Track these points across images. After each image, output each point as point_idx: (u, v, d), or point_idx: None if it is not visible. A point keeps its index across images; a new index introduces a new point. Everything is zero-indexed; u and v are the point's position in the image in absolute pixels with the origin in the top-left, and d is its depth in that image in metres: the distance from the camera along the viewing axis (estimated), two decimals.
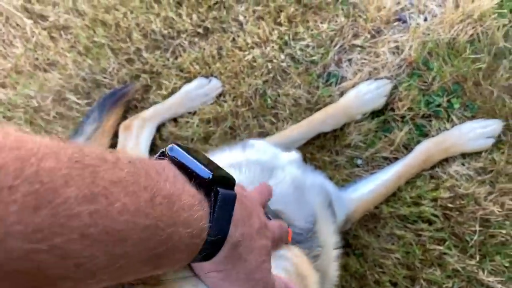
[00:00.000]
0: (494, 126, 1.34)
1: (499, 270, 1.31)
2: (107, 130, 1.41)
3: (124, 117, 1.45)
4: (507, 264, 1.30)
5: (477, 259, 1.31)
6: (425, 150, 1.32)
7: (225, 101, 1.45)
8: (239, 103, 1.44)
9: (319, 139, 1.40)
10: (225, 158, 1.02)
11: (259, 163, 0.98)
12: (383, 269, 1.32)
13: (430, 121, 1.40)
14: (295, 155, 1.07)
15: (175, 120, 1.46)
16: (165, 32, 1.49)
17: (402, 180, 1.33)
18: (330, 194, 1.08)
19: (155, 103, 1.46)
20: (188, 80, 1.47)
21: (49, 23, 1.54)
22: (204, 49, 1.48)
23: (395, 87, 1.41)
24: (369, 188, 1.30)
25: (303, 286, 0.72)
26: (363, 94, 1.37)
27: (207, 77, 1.46)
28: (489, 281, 1.29)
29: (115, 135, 1.42)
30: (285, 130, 1.37)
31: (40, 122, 1.47)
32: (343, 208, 1.21)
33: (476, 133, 1.33)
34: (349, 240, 1.34)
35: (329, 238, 0.99)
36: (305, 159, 1.39)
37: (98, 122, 1.40)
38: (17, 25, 1.56)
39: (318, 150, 1.40)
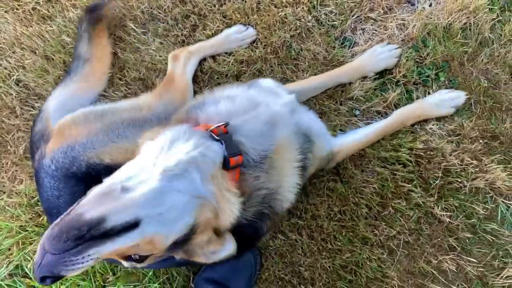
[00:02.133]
0: (458, 98, 1.68)
1: (450, 209, 1.69)
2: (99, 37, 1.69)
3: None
4: (457, 205, 1.69)
5: (435, 198, 1.69)
6: (401, 115, 1.67)
7: (257, 48, 1.76)
8: (268, 50, 1.76)
9: (330, 89, 1.73)
10: (228, 91, 1.30)
11: (250, 97, 1.23)
12: (362, 195, 1.69)
13: (418, 88, 1.74)
14: (290, 97, 1.32)
15: (214, 57, 1.78)
16: None
17: (381, 136, 1.67)
18: (311, 132, 1.31)
19: (200, 40, 1.77)
20: (229, 25, 1.77)
21: None
22: (245, 1, 1.78)
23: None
24: (352, 138, 1.64)
25: None
26: (377, 54, 1.69)
27: (245, 25, 1.77)
28: (441, 215, 1.68)
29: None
30: (310, 78, 1.70)
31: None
32: (326, 147, 1.48)
33: (443, 103, 1.67)
34: (340, 170, 1.70)
35: (286, 165, 1.18)
36: (315, 104, 1.73)
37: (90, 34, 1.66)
38: None
39: (327, 99, 1.74)
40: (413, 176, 1.69)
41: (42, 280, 0.85)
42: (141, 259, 0.96)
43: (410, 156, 1.69)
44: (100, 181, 0.96)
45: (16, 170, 1.75)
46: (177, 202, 0.93)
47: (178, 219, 0.94)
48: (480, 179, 1.69)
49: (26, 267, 1.66)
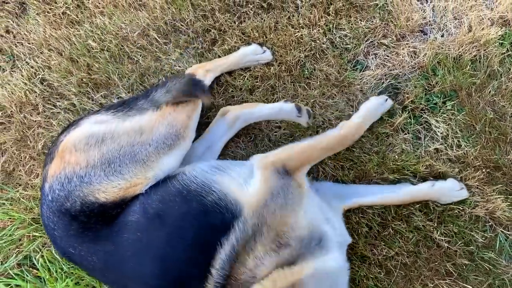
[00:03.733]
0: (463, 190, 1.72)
1: (449, 234, 1.73)
2: None
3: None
4: (456, 231, 1.72)
5: (435, 223, 1.73)
6: (409, 194, 1.70)
7: (272, 65, 1.84)
8: (283, 68, 1.83)
9: (340, 105, 1.79)
10: None
11: None
12: (364, 215, 1.74)
13: (425, 113, 1.80)
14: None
15: (230, 72, 1.86)
16: (237, 0, 1.87)
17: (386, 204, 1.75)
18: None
19: (217, 54, 1.85)
20: (247, 42, 1.86)
21: None
22: (264, 20, 1.86)
23: (405, 82, 1.80)
24: (361, 201, 1.71)
25: None
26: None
27: (262, 45, 1.85)
28: (440, 239, 1.71)
29: None
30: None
31: (126, 49, 1.87)
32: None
33: (452, 193, 1.71)
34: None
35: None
36: (323, 122, 1.80)
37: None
38: None
39: (336, 119, 1.80)
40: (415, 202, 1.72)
41: None
42: None
43: (414, 179, 1.73)
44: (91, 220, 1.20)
45: (33, 165, 1.83)
46: None
47: None
48: (481, 208, 1.72)
49: (35, 258, 1.72)
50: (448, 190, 1.70)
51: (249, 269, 1.28)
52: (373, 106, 1.71)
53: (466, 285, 1.71)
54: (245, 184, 1.41)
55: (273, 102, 1.82)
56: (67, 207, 1.34)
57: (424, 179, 1.73)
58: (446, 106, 1.80)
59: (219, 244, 1.29)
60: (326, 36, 1.84)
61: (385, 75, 1.82)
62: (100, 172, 1.35)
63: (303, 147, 1.53)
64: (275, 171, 1.43)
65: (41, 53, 1.90)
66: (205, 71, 1.77)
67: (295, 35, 1.84)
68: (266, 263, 1.28)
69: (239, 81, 1.83)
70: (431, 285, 1.72)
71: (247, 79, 1.83)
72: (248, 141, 1.82)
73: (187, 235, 1.31)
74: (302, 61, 1.83)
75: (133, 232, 1.32)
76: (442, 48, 1.82)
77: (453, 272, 1.71)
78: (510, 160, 1.75)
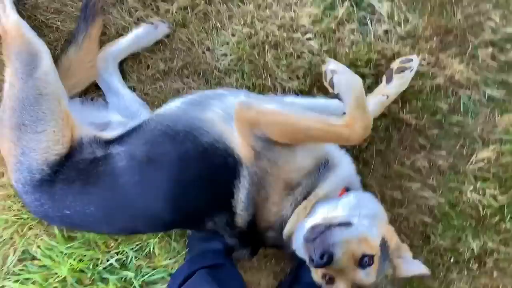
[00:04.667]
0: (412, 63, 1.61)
1: (415, 110, 1.76)
2: (94, 37, 1.65)
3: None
4: (421, 105, 1.75)
5: (400, 104, 1.75)
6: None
7: None
8: None
9: (281, 20, 1.71)
10: None
11: None
12: None
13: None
14: None
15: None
16: None
17: None
18: None
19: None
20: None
21: None
22: None
23: None
24: None
25: None
26: None
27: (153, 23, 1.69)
28: (407, 118, 1.75)
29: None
30: None
31: (41, 18, 1.71)
32: None
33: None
34: None
35: None
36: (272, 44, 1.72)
37: (86, 31, 1.63)
38: None
39: (278, 29, 1.72)
40: (373, 78, 1.72)
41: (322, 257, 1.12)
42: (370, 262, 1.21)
43: (370, 69, 1.71)
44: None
45: None
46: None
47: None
48: (440, 77, 1.73)
49: (32, 250, 1.76)
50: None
51: (274, 213, 1.35)
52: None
53: (440, 152, 1.78)
54: (233, 127, 1.34)
55: (210, 31, 1.74)
56: (37, 178, 1.37)
57: (377, 66, 1.71)
58: None
59: (233, 185, 1.32)
60: None
61: None
62: (27, 136, 1.36)
63: (292, 124, 1.27)
64: (251, 132, 1.28)
65: None
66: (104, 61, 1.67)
67: None
68: (286, 205, 1.33)
69: (168, 16, 1.71)
70: (408, 162, 1.79)
71: (175, 12, 1.71)
72: (198, 78, 1.76)
73: (193, 174, 1.33)
74: None
75: (129, 175, 1.35)
76: None
77: (426, 145, 1.77)
78: (459, 20, 1.72)
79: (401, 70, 1.58)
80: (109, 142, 1.43)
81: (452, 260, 1.87)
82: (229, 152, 1.32)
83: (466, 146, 1.79)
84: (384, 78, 1.63)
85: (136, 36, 1.67)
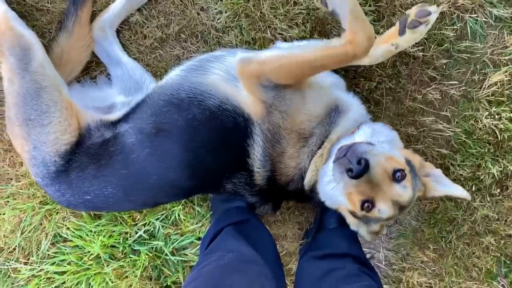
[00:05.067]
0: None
1: (421, 42, 1.70)
2: (84, 21, 1.61)
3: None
4: (426, 36, 1.69)
5: None
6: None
7: None
8: None
9: None
10: None
11: None
12: None
13: None
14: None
15: None
16: None
17: None
18: None
19: None
20: None
21: None
22: None
23: None
24: None
25: None
26: None
27: None
28: (414, 51, 1.71)
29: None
30: None
31: (29, 2, 1.68)
32: None
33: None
34: None
35: None
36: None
37: (76, 16, 1.59)
38: None
39: None
40: (375, 15, 1.67)
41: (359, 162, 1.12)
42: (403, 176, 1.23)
43: (369, 6, 1.66)
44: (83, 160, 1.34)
45: (11, 156, 1.81)
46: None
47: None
48: (443, 3, 1.67)
49: (62, 233, 1.81)
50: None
51: (292, 167, 1.36)
52: None
53: (451, 82, 1.75)
54: (238, 86, 1.34)
55: None
56: (52, 170, 1.39)
57: (378, 2, 1.65)
58: None
59: (247, 144, 1.32)
60: None
61: None
62: (35, 131, 1.37)
63: (295, 61, 1.25)
64: (258, 85, 1.28)
65: None
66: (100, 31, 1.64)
67: None
68: (303, 157, 1.35)
69: None
70: (420, 96, 1.77)
71: None
72: (197, 41, 1.73)
73: (205, 138, 1.33)
74: None
75: (140, 149, 1.35)
76: None
77: (436, 76, 1.74)
78: None
79: (415, 25, 1.41)
80: (115, 123, 1.43)
81: (474, 188, 1.87)
82: (238, 112, 1.31)
83: (477, 72, 1.76)
84: (397, 25, 1.46)
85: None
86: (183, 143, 1.34)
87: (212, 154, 1.35)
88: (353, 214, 1.32)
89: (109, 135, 1.40)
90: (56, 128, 1.37)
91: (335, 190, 1.25)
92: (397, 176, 1.21)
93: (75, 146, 1.39)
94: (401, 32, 1.45)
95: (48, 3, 1.70)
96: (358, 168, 1.13)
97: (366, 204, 1.22)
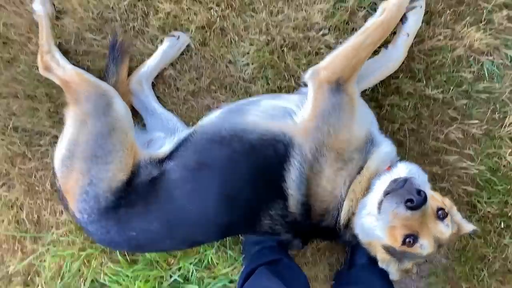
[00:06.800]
0: None
1: (441, 85, 1.79)
2: (123, 76, 1.76)
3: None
4: (445, 79, 1.78)
5: (424, 82, 1.78)
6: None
7: (211, 8, 1.78)
8: (223, 7, 1.78)
9: (294, 22, 1.77)
10: None
11: None
12: None
13: None
14: None
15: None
16: None
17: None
18: None
19: (157, 26, 1.79)
20: (177, 1, 1.78)
21: None
22: None
23: None
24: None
25: None
26: None
27: (174, 35, 1.77)
28: (434, 94, 1.78)
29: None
30: None
31: (71, 61, 1.82)
32: None
33: None
34: None
35: None
36: (283, 39, 1.78)
37: (116, 72, 1.75)
38: None
39: (293, 30, 1.78)
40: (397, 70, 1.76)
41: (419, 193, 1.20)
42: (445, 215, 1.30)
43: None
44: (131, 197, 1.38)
45: (52, 205, 1.91)
46: None
47: None
48: (459, 47, 1.75)
49: (100, 278, 1.87)
50: None
51: (329, 192, 1.40)
52: None
53: (472, 121, 1.81)
54: (280, 117, 1.45)
55: (229, 44, 1.81)
56: (103, 205, 1.45)
57: None
58: None
59: (284, 169, 1.39)
60: None
61: None
62: (96, 165, 1.45)
63: (351, 50, 1.45)
64: (330, 89, 1.42)
65: None
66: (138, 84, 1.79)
67: None
68: (340, 182, 1.39)
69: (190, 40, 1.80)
70: (442, 136, 1.82)
71: (194, 32, 1.79)
72: (226, 92, 1.84)
73: (243, 169, 1.42)
74: None
75: (183, 185, 1.44)
76: None
77: (457, 116, 1.80)
78: None
79: (412, 8, 1.61)
80: (162, 160, 1.52)
81: (502, 225, 1.88)
82: (278, 139, 1.40)
83: (497, 111, 1.81)
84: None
85: (163, 52, 1.77)
86: (223, 176, 1.43)
87: (249, 184, 1.43)
88: (387, 249, 1.35)
89: (156, 173, 1.49)
90: (116, 166, 1.46)
91: (377, 222, 1.30)
92: (439, 214, 1.27)
93: (126, 184, 1.47)
94: (404, 20, 1.62)
95: (88, 61, 1.84)
96: (419, 199, 1.19)
97: (408, 239, 1.26)
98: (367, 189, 1.40)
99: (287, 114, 1.47)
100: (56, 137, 1.83)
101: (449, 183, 1.85)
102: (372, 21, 1.52)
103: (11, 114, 1.88)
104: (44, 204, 1.91)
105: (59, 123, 1.86)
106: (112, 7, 1.80)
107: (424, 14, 1.72)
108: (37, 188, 1.91)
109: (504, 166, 1.83)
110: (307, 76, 1.49)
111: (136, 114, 1.83)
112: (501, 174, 1.83)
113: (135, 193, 1.47)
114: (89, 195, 1.47)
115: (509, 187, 1.83)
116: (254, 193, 1.44)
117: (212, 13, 1.77)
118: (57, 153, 1.55)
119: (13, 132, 1.89)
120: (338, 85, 1.42)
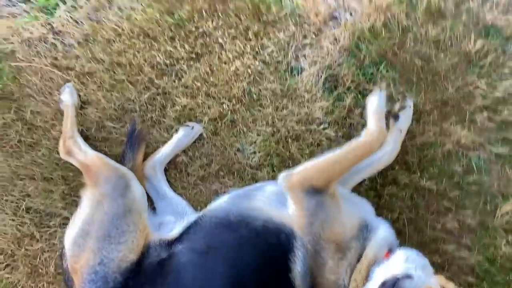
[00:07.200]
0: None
1: (434, 177, 1.92)
2: (139, 162, 1.91)
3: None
4: (437, 171, 1.92)
5: (419, 173, 1.92)
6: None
7: (223, 103, 1.98)
8: (234, 102, 1.98)
9: (296, 116, 1.96)
10: None
11: None
12: (358, 192, 1.90)
13: (367, 85, 1.98)
14: None
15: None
16: (167, 61, 2.01)
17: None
18: None
19: (173, 118, 1.97)
20: (193, 96, 1.98)
21: (76, 72, 2.02)
22: (199, 68, 2.00)
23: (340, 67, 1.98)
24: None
25: None
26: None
27: (189, 125, 1.95)
28: (428, 185, 1.90)
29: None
30: None
31: (90, 146, 1.95)
32: None
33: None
34: None
35: None
36: (287, 131, 1.95)
37: (132, 159, 1.89)
38: (51, 78, 2.03)
39: (297, 123, 1.96)
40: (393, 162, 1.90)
41: None
42: None
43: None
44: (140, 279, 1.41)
45: None
46: None
47: None
48: (448, 143, 1.92)
49: None
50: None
51: (333, 281, 1.43)
52: (378, 102, 1.78)
53: (465, 211, 1.90)
54: (281, 206, 1.52)
55: (238, 134, 1.97)
56: (111, 286, 1.46)
57: None
58: (381, 72, 1.99)
59: (289, 259, 1.42)
60: (256, 59, 2.00)
61: (320, 69, 1.99)
62: (108, 245, 1.49)
63: (328, 162, 1.54)
64: (303, 192, 1.49)
65: (14, 185, 1.96)
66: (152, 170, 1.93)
67: (231, 69, 1.99)
68: (342, 271, 1.43)
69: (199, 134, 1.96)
70: (439, 225, 1.90)
71: (207, 123, 1.96)
72: (233, 177, 1.95)
73: (251, 255, 1.45)
74: (246, 88, 1.99)
75: (190, 267, 1.45)
76: (355, 25, 2.02)
77: (451, 207, 1.90)
78: (451, 92, 1.96)
79: (402, 107, 1.86)
80: (171, 243, 1.56)
81: None
82: (281, 229, 1.46)
83: (488, 202, 1.92)
84: (391, 121, 1.87)
85: (178, 140, 1.92)
86: (229, 261, 1.45)
87: (257, 271, 1.45)
88: None
89: (165, 255, 1.51)
90: (127, 246, 1.50)
91: None
92: None
93: (135, 265, 1.49)
94: (396, 118, 1.86)
95: (105, 147, 1.98)
96: None
97: None
98: (367, 277, 1.44)
99: (287, 203, 1.54)
100: (67, 218, 1.90)
101: (450, 272, 1.89)
102: (355, 141, 1.63)
103: (25, 195, 1.96)
104: (46, 287, 1.89)
105: (72, 204, 1.93)
106: (133, 99, 1.99)
107: (414, 113, 1.93)
108: (40, 270, 1.91)
109: (500, 256, 1.88)
110: (280, 179, 1.56)
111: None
112: (498, 264, 1.88)
113: (143, 275, 1.49)
114: (98, 275, 1.48)
115: (507, 277, 1.87)
116: (261, 280, 1.45)
117: (224, 107, 1.96)
118: (70, 232, 1.60)
119: (25, 213, 1.95)
120: (313, 189, 1.49)
